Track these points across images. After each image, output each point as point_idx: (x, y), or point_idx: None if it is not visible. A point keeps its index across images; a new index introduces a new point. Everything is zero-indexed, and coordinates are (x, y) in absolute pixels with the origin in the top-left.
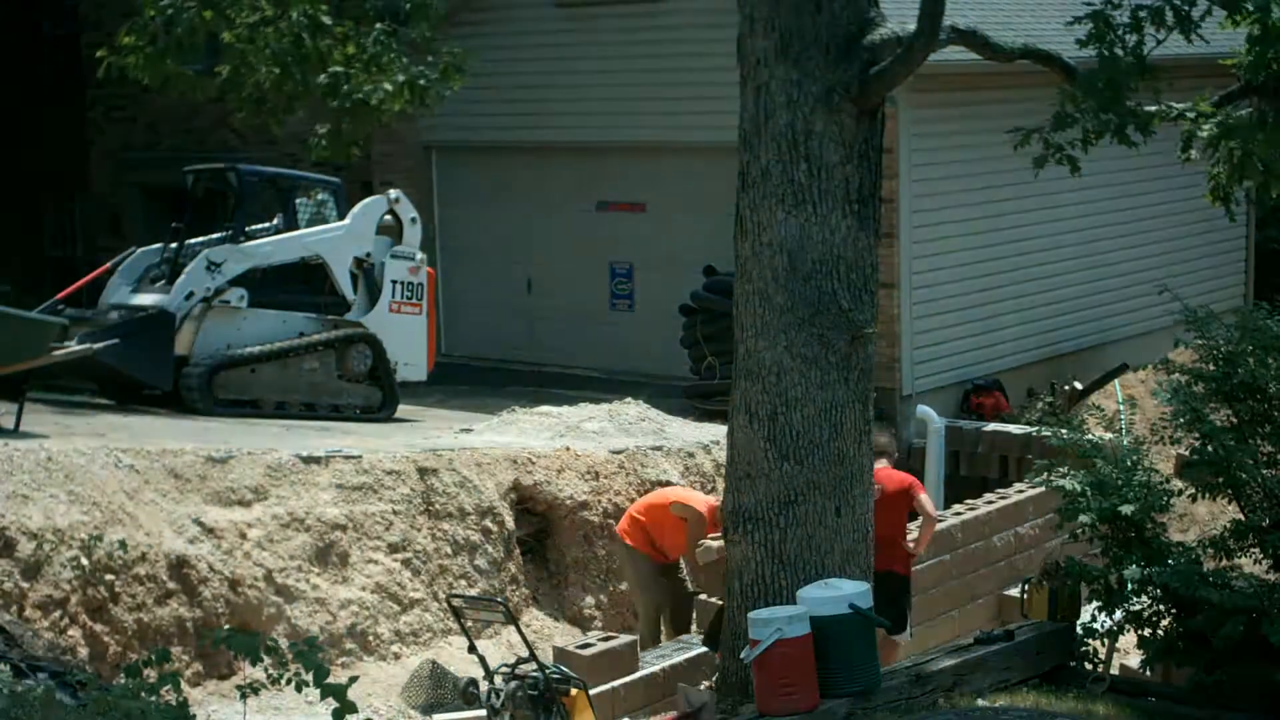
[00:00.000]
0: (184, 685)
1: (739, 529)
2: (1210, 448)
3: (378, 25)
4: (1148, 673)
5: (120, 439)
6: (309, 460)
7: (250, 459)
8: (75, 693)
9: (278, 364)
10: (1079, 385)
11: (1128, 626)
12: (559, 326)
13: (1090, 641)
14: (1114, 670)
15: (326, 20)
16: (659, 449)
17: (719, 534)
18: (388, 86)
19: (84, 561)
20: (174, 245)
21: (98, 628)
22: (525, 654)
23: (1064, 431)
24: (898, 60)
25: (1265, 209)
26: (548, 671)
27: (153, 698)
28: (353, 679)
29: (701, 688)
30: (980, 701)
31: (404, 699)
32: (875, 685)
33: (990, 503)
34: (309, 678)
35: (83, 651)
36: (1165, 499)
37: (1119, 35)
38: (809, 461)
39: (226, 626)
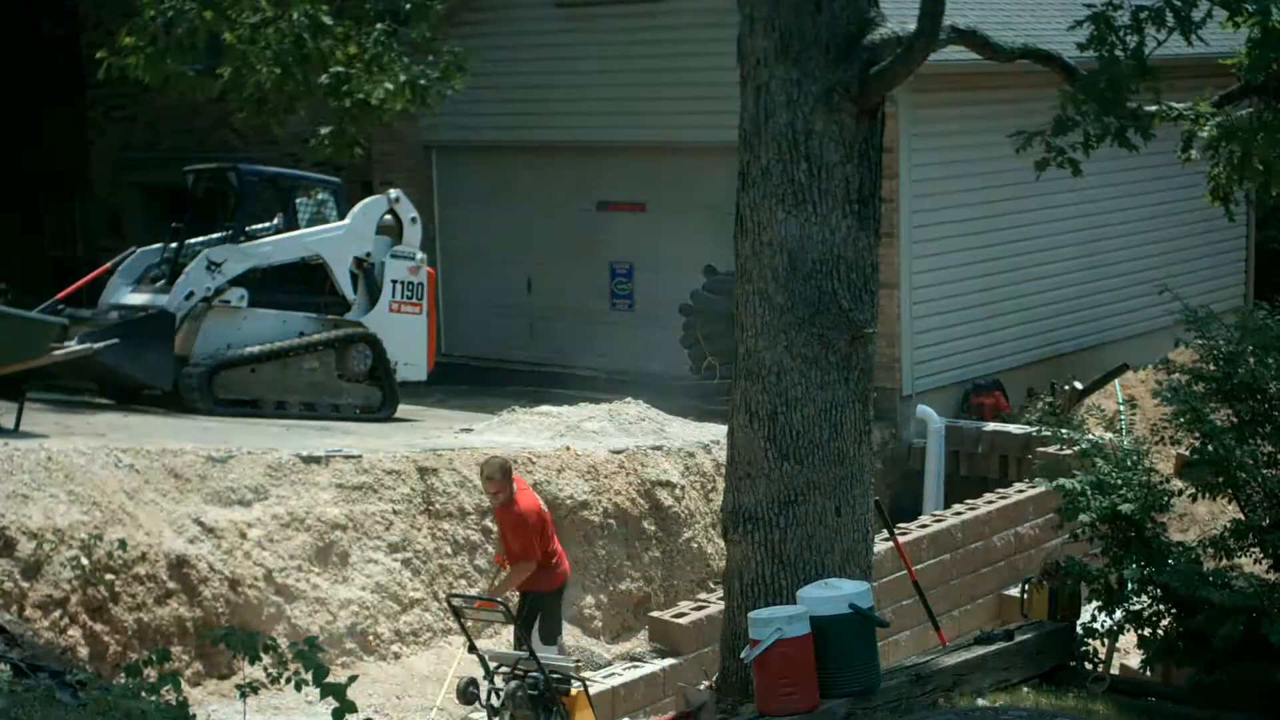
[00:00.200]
0: (184, 685)
1: (739, 529)
2: (1210, 447)
3: (378, 25)
4: (1148, 673)
5: (120, 439)
6: (309, 460)
7: (250, 459)
8: (75, 693)
9: (278, 364)
10: (1079, 385)
11: (1128, 626)
12: (559, 326)
13: (1090, 641)
14: (1114, 670)
15: (327, 20)
16: (659, 449)
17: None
18: (389, 86)
19: (84, 561)
20: (174, 245)
21: (98, 627)
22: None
23: (1064, 431)
24: (898, 60)
25: (1265, 209)
26: (548, 671)
27: (153, 698)
28: (352, 678)
29: (701, 688)
30: (980, 701)
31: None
32: (875, 685)
33: (990, 503)
34: (309, 677)
35: (83, 651)
36: (1165, 499)
37: (1120, 37)
38: (809, 461)
39: (226, 626)
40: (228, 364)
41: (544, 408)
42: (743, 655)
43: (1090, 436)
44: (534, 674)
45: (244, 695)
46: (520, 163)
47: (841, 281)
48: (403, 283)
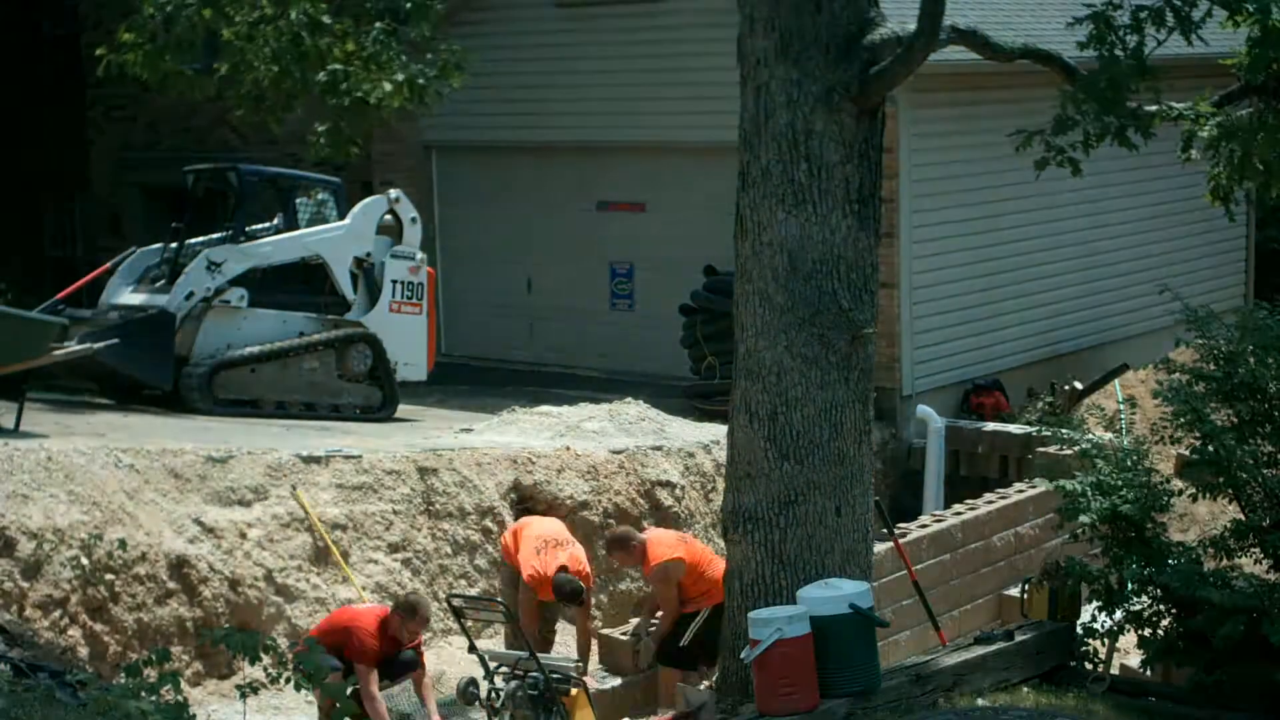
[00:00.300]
0: (184, 685)
1: (739, 529)
2: (1211, 447)
3: (377, 24)
4: (1148, 673)
5: (120, 439)
6: (309, 460)
7: (250, 459)
8: (75, 693)
9: (278, 364)
10: (1079, 385)
11: (1128, 626)
12: (559, 326)
13: (1090, 641)
14: (1114, 670)
15: (326, 19)
16: (659, 449)
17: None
18: (387, 85)
19: (84, 561)
20: (174, 245)
21: (98, 627)
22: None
23: (1064, 431)
24: (898, 60)
25: (1265, 209)
26: (548, 671)
27: (153, 697)
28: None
29: (701, 688)
30: (980, 701)
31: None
32: (875, 685)
33: (990, 503)
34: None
35: (83, 651)
36: (1165, 499)
37: (1119, 36)
38: (809, 461)
39: (226, 626)
40: (228, 364)
41: (544, 408)
42: (743, 655)
43: (1090, 436)
44: (534, 674)
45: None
46: (520, 163)
47: (841, 281)
48: (403, 283)
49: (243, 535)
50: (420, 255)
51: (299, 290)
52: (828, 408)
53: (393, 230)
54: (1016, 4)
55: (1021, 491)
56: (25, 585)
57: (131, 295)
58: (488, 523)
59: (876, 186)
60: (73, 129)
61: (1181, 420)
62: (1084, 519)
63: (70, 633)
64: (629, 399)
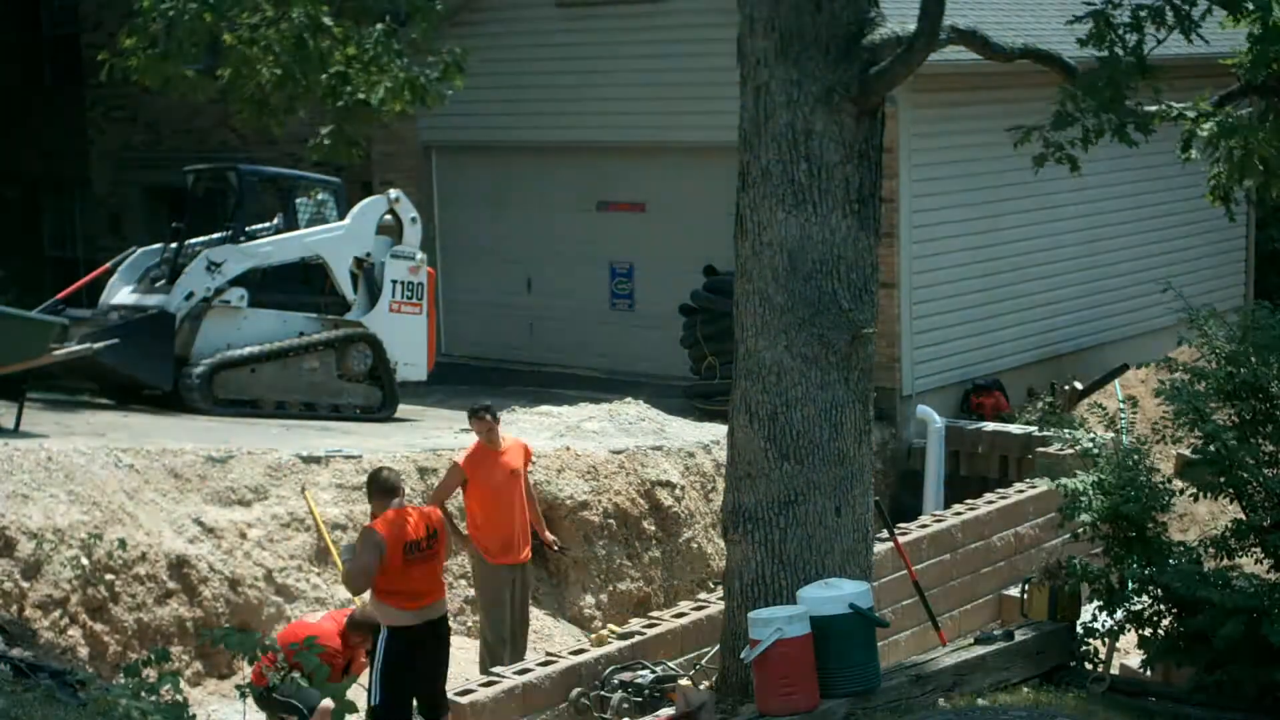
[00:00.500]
0: (184, 685)
1: (739, 529)
2: (1212, 447)
3: (378, 26)
4: (1148, 673)
5: (120, 439)
6: (309, 460)
7: (250, 459)
8: (75, 693)
9: (278, 364)
10: (1079, 385)
11: (1128, 626)
12: (559, 326)
13: (1090, 641)
14: (1114, 670)
15: (327, 21)
16: (659, 449)
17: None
18: (388, 86)
19: (84, 561)
20: (174, 245)
21: (98, 627)
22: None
23: (1064, 431)
24: (898, 60)
25: (1265, 209)
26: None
27: (153, 697)
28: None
29: (701, 688)
30: (980, 701)
31: None
32: (875, 685)
33: (990, 503)
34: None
35: (83, 651)
36: (1166, 498)
37: (1119, 35)
38: (809, 461)
39: (226, 626)
40: (228, 364)
41: (544, 408)
42: (743, 655)
43: (1091, 436)
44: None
45: (244, 695)
46: (520, 163)
47: (841, 281)
48: (403, 283)
49: (243, 535)
50: (420, 255)
51: (299, 290)
52: (828, 408)
53: (393, 230)
54: (1016, 4)
55: (1021, 491)
56: (25, 585)
57: (131, 295)
58: None
59: (876, 186)
60: (73, 129)
61: (1183, 420)
62: (1085, 518)
63: (70, 633)
64: (629, 399)
